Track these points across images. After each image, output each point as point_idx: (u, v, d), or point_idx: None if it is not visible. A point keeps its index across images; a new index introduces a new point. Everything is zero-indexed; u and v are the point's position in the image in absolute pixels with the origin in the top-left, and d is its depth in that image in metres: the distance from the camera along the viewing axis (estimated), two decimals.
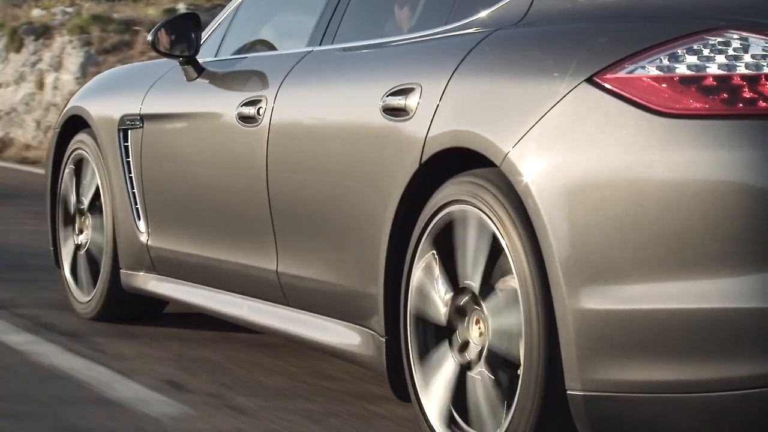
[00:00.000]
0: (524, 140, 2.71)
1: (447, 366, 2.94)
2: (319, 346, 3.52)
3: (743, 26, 2.51)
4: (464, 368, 2.89)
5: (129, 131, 4.44)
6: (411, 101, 3.10)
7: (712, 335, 2.43)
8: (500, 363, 2.79)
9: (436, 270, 2.97)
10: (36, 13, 14.14)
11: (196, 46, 4.16)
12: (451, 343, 2.94)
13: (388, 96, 3.18)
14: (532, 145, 2.69)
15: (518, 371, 2.70)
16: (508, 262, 2.74)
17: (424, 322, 3.01)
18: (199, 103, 4.12)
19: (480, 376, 2.83)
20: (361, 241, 3.26)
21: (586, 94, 2.62)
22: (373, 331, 3.22)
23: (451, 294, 2.93)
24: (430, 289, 2.99)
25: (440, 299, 2.96)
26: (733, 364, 2.42)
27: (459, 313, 2.93)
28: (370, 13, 3.74)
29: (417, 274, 3.03)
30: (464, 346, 2.91)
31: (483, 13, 3.14)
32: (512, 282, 2.73)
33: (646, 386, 2.50)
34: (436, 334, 2.98)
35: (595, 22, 2.83)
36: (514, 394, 2.70)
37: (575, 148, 2.62)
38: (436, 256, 2.97)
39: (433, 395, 2.97)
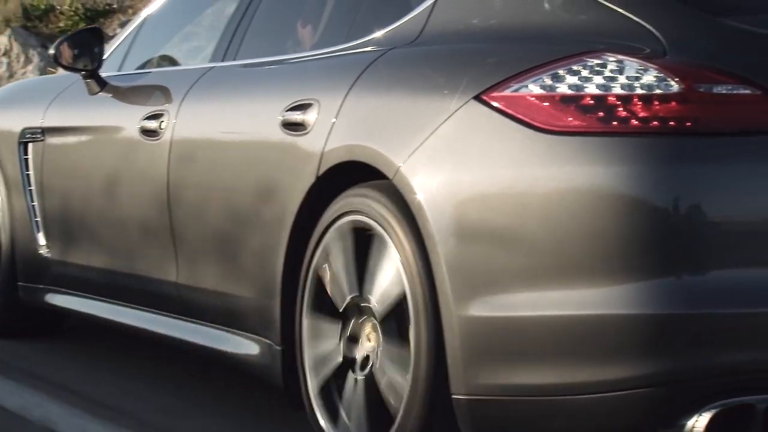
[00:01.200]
0: (415, 154, 2.87)
1: (348, 382, 3.06)
2: (218, 356, 3.63)
3: (619, 49, 2.70)
4: (365, 376, 3.01)
5: (30, 144, 4.51)
6: (309, 116, 3.24)
7: (588, 340, 2.60)
8: (391, 368, 2.94)
9: (330, 281, 3.11)
10: None
11: (99, 60, 4.26)
12: (349, 364, 3.07)
13: (287, 111, 3.32)
14: (423, 159, 2.85)
15: (407, 376, 2.86)
16: (399, 270, 2.90)
17: (319, 337, 3.15)
18: (102, 116, 4.21)
19: (370, 381, 2.97)
20: (259, 253, 3.38)
21: (474, 111, 2.79)
22: (270, 340, 3.35)
23: (345, 303, 3.08)
24: (325, 299, 3.13)
25: (334, 309, 3.10)
26: (608, 367, 2.59)
27: (352, 320, 3.07)
28: (273, 30, 3.89)
29: (312, 284, 3.16)
30: (363, 359, 3.05)
31: (380, 32, 3.30)
32: (402, 290, 2.89)
33: (527, 389, 2.66)
34: (336, 368, 3.09)
35: (484, 42, 3.00)
36: (403, 399, 2.85)
37: (463, 162, 2.79)
38: (331, 267, 3.11)
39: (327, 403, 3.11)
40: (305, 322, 3.16)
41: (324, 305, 3.11)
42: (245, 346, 3.47)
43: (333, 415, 3.07)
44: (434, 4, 3.18)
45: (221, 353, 3.59)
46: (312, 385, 3.13)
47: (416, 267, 2.84)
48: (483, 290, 2.71)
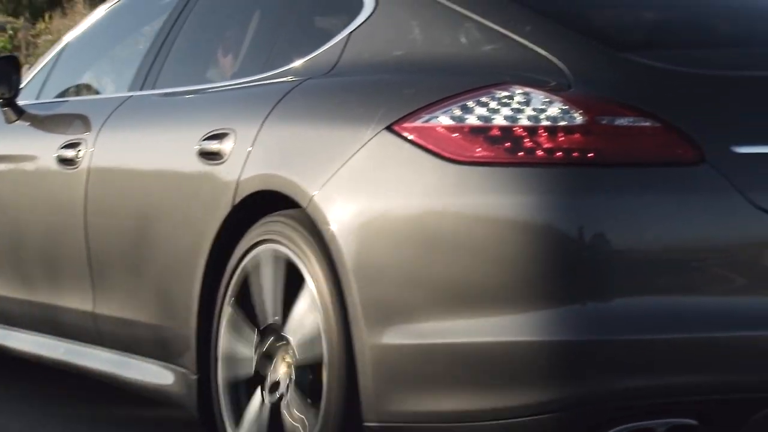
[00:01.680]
0: (329, 184, 2.92)
1: (255, 401, 3.11)
2: (134, 386, 3.64)
3: (526, 82, 2.78)
4: (272, 402, 3.05)
5: None
6: (225, 145, 3.28)
7: (495, 367, 2.66)
8: (305, 396, 2.97)
9: (243, 312, 3.15)
10: None
11: (15, 89, 4.26)
12: (260, 380, 3.12)
13: (203, 140, 3.36)
14: (335, 188, 2.91)
15: (320, 404, 2.90)
16: (313, 298, 2.94)
17: (234, 361, 3.19)
18: (18, 145, 4.22)
19: (286, 409, 3.01)
20: (175, 282, 3.41)
21: (386, 141, 2.85)
22: (185, 369, 3.38)
23: (260, 330, 3.12)
24: (240, 326, 3.17)
25: (248, 343, 3.14)
26: (515, 393, 2.65)
27: (267, 349, 3.10)
28: (193, 59, 3.93)
29: (227, 313, 3.20)
30: (273, 383, 3.08)
31: (297, 63, 3.36)
32: (316, 318, 2.93)
33: (437, 416, 2.71)
34: (246, 380, 3.13)
35: (397, 73, 3.07)
36: (315, 429, 2.90)
37: (376, 192, 2.85)
38: (246, 295, 3.15)
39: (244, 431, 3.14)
40: (221, 347, 3.19)
41: (242, 330, 3.15)
42: (161, 375, 3.48)
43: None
44: (349, 35, 3.25)
45: (138, 383, 3.61)
46: (224, 403, 3.16)
47: (329, 295, 2.89)
48: (394, 319, 2.76)
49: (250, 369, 3.11)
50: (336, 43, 3.27)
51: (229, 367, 3.17)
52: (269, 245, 3.08)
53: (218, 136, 3.32)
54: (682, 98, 2.75)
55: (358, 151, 2.89)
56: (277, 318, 3.06)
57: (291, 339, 3.02)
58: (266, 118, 3.19)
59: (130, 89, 3.92)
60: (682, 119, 2.69)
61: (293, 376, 3.00)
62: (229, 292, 3.18)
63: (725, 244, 2.67)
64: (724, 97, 2.77)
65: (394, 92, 2.96)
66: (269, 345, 3.08)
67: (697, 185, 2.66)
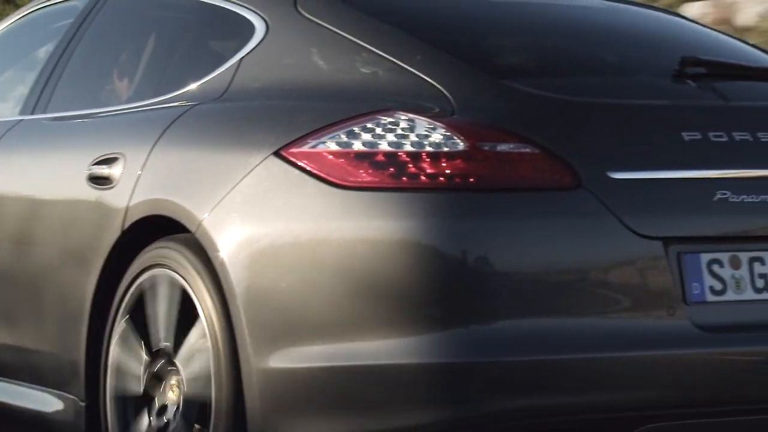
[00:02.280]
0: (217, 208, 2.95)
1: (143, 422, 3.10)
2: (21, 413, 3.62)
3: (411, 108, 2.84)
4: (159, 427, 3.06)
5: None
6: (115, 170, 3.30)
7: (379, 390, 2.71)
8: (195, 420, 2.99)
9: (134, 334, 3.16)
10: None
11: None
12: (149, 407, 3.13)
13: (93, 165, 3.37)
14: (224, 213, 2.94)
15: (210, 428, 2.92)
16: (203, 324, 2.97)
17: (123, 387, 3.19)
18: None
19: None
20: (64, 308, 3.40)
21: (273, 166, 2.89)
22: (73, 396, 3.37)
23: (148, 357, 3.13)
24: (129, 353, 3.18)
25: (138, 363, 3.15)
26: (399, 415, 2.70)
27: (156, 375, 3.11)
28: (86, 83, 3.93)
29: (116, 338, 3.21)
30: (162, 409, 3.10)
31: (188, 88, 3.38)
32: (204, 342, 2.96)
33: None
34: (135, 398, 3.16)
35: (286, 99, 3.11)
36: None
37: (263, 216, 2.89)
38: (135, 320, 3.16)
39: None
40: (111, 361, 3.20)
41: (133, 348, 3.15)
42: (49, 402, 3.47)
43: None
44: (240, 61, 3.29)
45: (28, 411, 3.59)
46: (111, 420, 3.17)
47: (217, 320, 2.91)
48: (281, 343, 2.80)
49: (139, 388, 3.11)
50: (227, 68, 3.31)
51: (118, 383, 3.17)
52: (160, 270, 3.10)
53: (108, 161, 3.33)
54: (560, 125, 2.83)
55: (246, 175, 2.93)
56: (168, 344, 3.07)
57: (182, 369, 3.03)
58: (156, 142, 3.22)
59: (21, 113, 3.91)
60: (561, 145, 2.78)
61: (181, 406, 3.02)
62: (122, 309, 3.18)
63: (602, 266, 2.76)
64: (600, 124, 2.86)
65: (283, 118, 3.01)
66: (159, 367, 3.10)
67: (575, 209, 2.75)
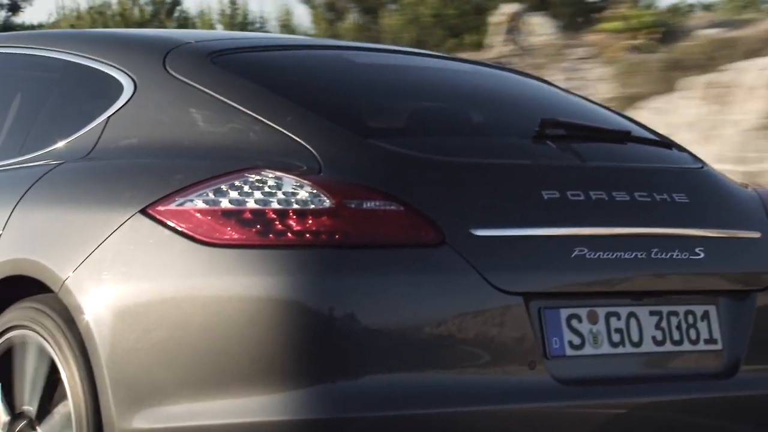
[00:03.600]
0: (81, 268, 2.96)
1: None
2: None
3: (278, 166, 2.90)
4: None
5: None
6: None
7: None
8: None
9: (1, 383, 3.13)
10: None
11: None
12: None
13: None
14: (88, 272, 2.94)
15: None
16: (63, 384, 2.95)
17: None
18: None
19: None
20: None
21: (140, 224, 2.92)
22: None
23: (8, 419, 3.10)
24: None
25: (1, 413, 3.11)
26: None
27: (22, 422, 3.08)
28: None
29: None
30: None
31: (54, 146, 3.38)
32: (66, 407, 2.94)
33: None
34: None
35: (153, 158, 3.14)
36: None
37: (129, 275, 2.90)
38: (5, 369, 3.12)
39: None
40: None
41: None
42: None
43: None
44: (108, 119, 3.31)
45: None
46: None
47: (80, 382, 2.91)
48: (145, 402, 2.81)
49: None
50: (94, 126, 3.32)
51: None
52: (23, 331, 3.08)
53: None
54: (424, 183, 2.92)
55: (111, 234, 2.95)
56: (31, 408, 3.05)
57: (40, 431, 3.02)
58: (18, 202, 3.21)
59: None
60: (425, 203, 2.87)
61: None
62: None
63: (466, 322, 2.83)
64: (463, 182, 2.95)
65: (150, 176, 3.04)
66: (20, 429, 3.07)
67: (439, 266, 2.83)
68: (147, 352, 2.83)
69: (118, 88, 3.36)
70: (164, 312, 2.84)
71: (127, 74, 3.35)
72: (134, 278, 2.90)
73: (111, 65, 3.41)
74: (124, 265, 2.91)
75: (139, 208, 2.93)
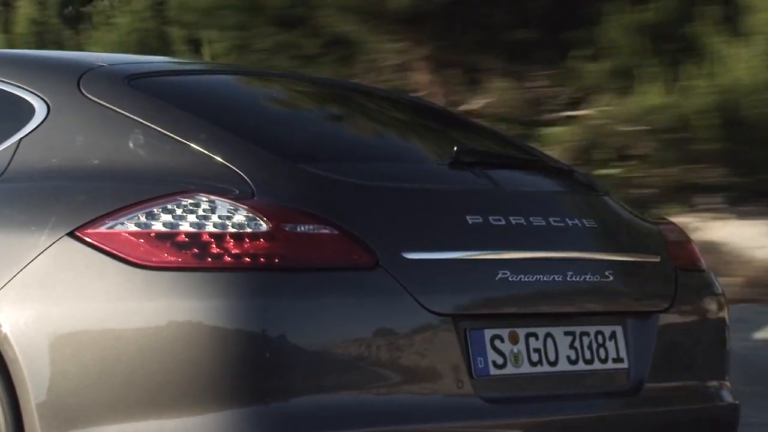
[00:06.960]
0: (4, 292, 2.99)
1: None
2: None
3: (211, 190, 2.99)
4: None
5: None
6: None
7: None
8: None
9: None
10: None
11: None
12: None
13: None
14: (12, 295, 2.98)
15: None
16: None
17: None
18: None
19: None
20: None
21: (68, 247, 2.97)
22: None
23: None
24: None
25: None
26: None
27: None
28: None
29: None
30: None
31: None
32: None
33: None
34: None
35: (75, 180, 3.18)
36: None
37: (57, 298, 2.95)
38: None
39: None
40: None
41: None
42: None
43: None
44: (19, 142, 3.33)
45: None
46: None
47: (2, 406, 2.94)
48: (74, 426, 2.85)
49: None
50: (4, 149, 3.34)
51: None
52: None
53: None
54: (355, 207, 3.04)
55: (36, 257, 2.99)
56: None
57: None
58: None
59: None
60: (358, 227, 2.99)
61: None
62: None
63: (398, 342, 2.96)
64: (392, 207, 3.09)
65: (74, 198, 3.08)
66: None
67: (372, 288, 2.96)
68: (76, 376, 2.88)
69: (30, 110, 3.38)
70: (95, 335, 2.90)
71: (39, 97, 3.38)
72: (62, 301, 2.95)
73: (22, 87, 3.43)
74: (52, 289, 2.96)
75: (66, 231, 2.98)
